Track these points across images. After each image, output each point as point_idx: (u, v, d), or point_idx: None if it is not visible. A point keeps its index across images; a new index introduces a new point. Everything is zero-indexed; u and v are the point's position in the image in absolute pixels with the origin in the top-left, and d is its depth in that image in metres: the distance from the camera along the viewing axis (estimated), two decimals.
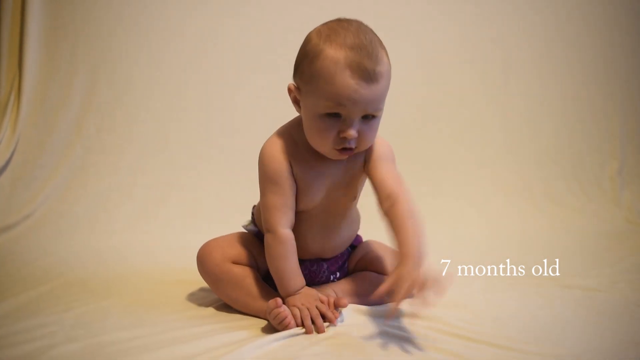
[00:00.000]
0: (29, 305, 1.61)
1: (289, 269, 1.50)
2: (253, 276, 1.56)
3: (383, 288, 1.31)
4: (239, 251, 1.59)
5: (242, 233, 1.67)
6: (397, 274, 1.31)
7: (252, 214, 1.70)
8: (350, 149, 1.44)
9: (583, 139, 3.05)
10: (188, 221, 2.49)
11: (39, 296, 1.69)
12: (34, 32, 2.55)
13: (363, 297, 1.58)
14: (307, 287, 1.52)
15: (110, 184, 2.54)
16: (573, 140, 3.04)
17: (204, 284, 1.65)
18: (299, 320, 1.43)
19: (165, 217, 2.50)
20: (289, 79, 1.52)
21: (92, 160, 2.56)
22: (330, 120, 1.40)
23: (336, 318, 1.45)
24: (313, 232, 1.58)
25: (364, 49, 1.37)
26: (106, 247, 2.25)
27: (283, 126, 1.56)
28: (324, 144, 1.44)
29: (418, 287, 1.29)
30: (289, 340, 1.36)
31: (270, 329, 1.43)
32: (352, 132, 1.40)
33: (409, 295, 1.30)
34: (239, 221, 1.74)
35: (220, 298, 1.61)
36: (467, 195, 2.81)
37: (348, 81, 1.36)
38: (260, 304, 1.49)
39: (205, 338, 1.36)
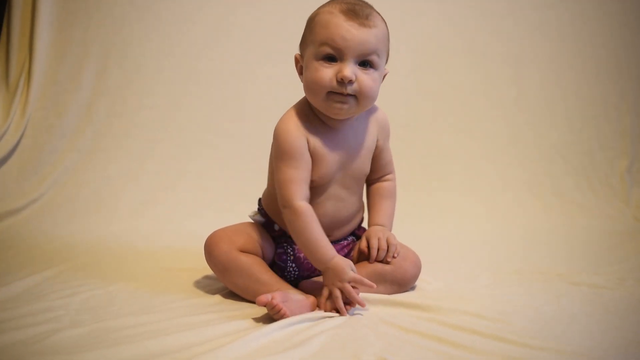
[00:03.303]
0: (35, 289, 1.62)
1: (315, 240, 1.51)
2: (260, 264, 1.57)
3: (361, 245, 1.62)
4: (245, 240, 1.60)
5: (249, 223, 1.68)
6: (365, 234, 1.65)
7: (259, 204, 1.71)
8: (347, 94, 1.48)
9: (593, 136, 3.04)
10: (195, 208, 2.49)
11: (45, 280, 1.69)
12: (46, 15, 2.55)
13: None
14: (338, 256, 1.51)
15: (119, 169, 2.54)
16: (583, 137, 3.03)
17: (211, 271, 1.65)
18: (328, 307, 1.47)
19: (173, 203, 2.50)
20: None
21: (101, 145, 2.56)
22: (326, 64, 1.48)
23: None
24: (326, 205, 1.61)
25: (358, 5, 1.51)
26: (113, 233, 2.26)
27: (297, 102, 1.61)
28: (319, 90, 1.49)
29: (387, 241, 1.61)
30: (294, 329, 1.36)
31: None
32: (348, 71, 1.46)
33: (382, 250, 1.60)
34: (245, 209, 1.74)
35: (227, 287, 1.61)
36: (474, 191, 2.81)
37: (341, 23, 1.47)
38: (268, 290, 1.48)
39: (210, 326, 1.36)
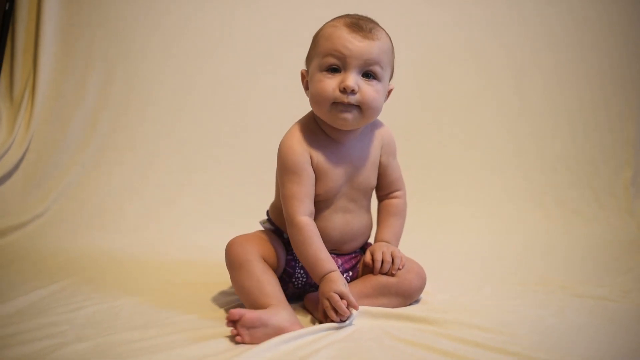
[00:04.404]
0: (40, 303, 1.62)
1: (313, 253, 1.52)
2: (272, 275, 1.56)
3: (365, 258, 1.63)
4: (266, 247, 1.61)
5: (267, 232, 1.69)
6: (369, 248, 1.64)
7: (267, 215, 1.72)
8: (350, 104, 1.51)
9: (597, 146, 3.04)
10: (199, 221, 2.49)
11: (50, 294, 1.69)
12: (50, 29, 2.56)
13: (373, 299, 1.59)
14: (335, 271, 1.51)
15: (122, 183, 2.55)
16: (587, 147, 3.03)
17: (214, 286, 1.65)
18: (327, 315, 1.47)
19: (177, 216, 2.50)
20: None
21: (105, 159, 2.57)
22: (330, 74, 1.52)
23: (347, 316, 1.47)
24: (334, 218, 1.62)
25: (362, 18, 1.56)
26: (117, 246, 2.26)
27: (303, 117, 1.64)
28: (324, 101, 1.52)
29: (392, 254, 1.60)
30: (298, 343, 1.36)
31: None
32: (350, 81, 1.49)
33: (387, 263, 1.59)
34: (249, 221, 1.74)
35: (232, 286, 1.60)
36: (478, 202, 2.81)
37: (344, 35, 1.51)
38: (265, 301, 1.47)
39: (215, 340, 1.36)
